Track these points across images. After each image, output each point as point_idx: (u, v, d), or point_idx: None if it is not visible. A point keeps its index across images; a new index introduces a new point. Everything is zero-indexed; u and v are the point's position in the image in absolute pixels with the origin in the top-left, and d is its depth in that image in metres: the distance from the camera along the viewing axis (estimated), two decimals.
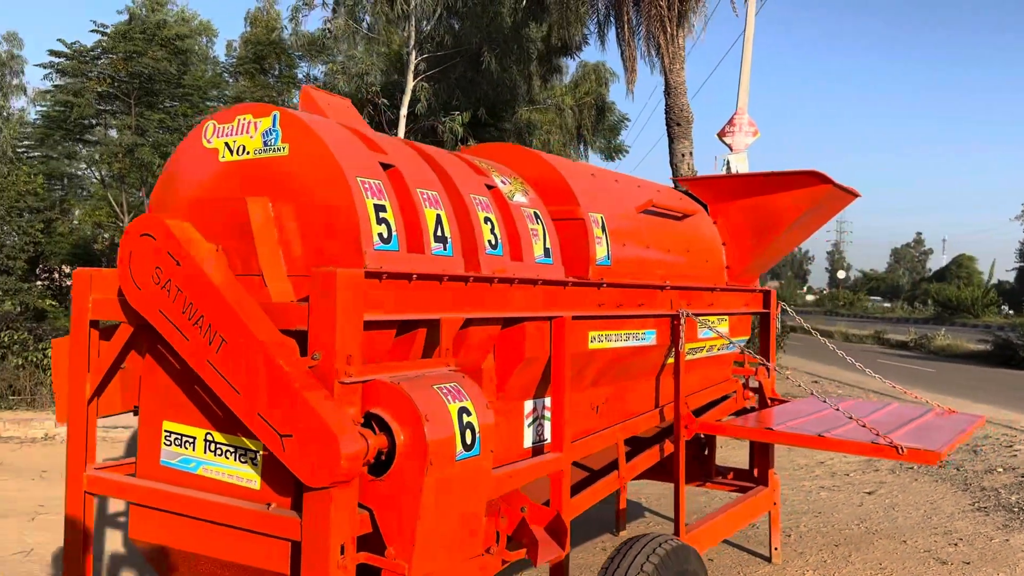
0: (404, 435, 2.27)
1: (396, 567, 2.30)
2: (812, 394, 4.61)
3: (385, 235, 2.55)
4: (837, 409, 4.10)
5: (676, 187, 5.18)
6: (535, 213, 3.39)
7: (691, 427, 4.25)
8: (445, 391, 2.41)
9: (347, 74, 16.91)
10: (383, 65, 17.11)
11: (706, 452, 5.66)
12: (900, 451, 3.67)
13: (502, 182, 3.35)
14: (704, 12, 13.79)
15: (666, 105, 13.55)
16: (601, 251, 3.67)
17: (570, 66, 23.72)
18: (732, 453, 7.84)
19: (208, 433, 2.62)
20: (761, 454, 5.41)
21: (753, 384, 5.48)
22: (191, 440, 2.66)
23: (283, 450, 2.19)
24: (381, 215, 2.55)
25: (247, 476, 2.53)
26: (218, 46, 34.05)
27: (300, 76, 27.87)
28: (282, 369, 2.19)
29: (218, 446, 2.60)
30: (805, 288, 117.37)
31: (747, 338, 5.31)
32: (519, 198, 3.36)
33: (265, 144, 2.65)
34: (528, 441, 3.47)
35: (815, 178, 4.54)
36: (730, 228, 4.86)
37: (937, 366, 22.07)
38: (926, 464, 3.76)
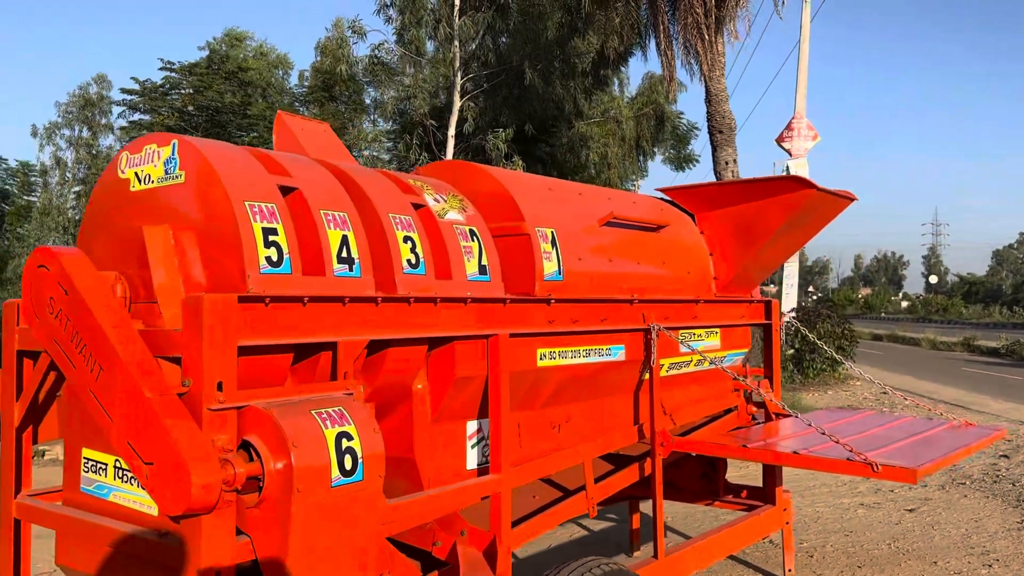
0: (272, 461, 2.25)
1: None
2: (791, 414, 4.38)
3: (275, 258, 2.54)
4: (809, 425, 3.89)
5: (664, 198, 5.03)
6: (471, 230, 3.34)
7: (667, 445, 4.10)
8: (324, 416, 2.38)
9: (399, 98, 17.21)
10: (431, 87, 17.34)
11: (715, 469, 5.46)
12: (875, 468, 3.46)
13: (435, 200, 3.32)
14: (747, 18, 13.46)
15: (707, 113, 13.27)
16: (550, 266, 3.58)
17: (631, 78, 23.63)
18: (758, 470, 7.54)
19: (117, 460, 2.65)
20: (769, 471, 5.18)
21: (758, 398, 5.26)
22: (103, 467, 2.70)
23: (146, 478, 2.19)
24: (271, 238, 2.55)
25: (147, 503, 2.55)
26: (293, 77, 35.18)
27: (368, 101, 28.47)
28: (143, 396, 2.20)
29: (124, 472, 2.63)
30: (900, 295, 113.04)
31: (746, 350, 5.11)
32: (453, 215, 3.32)
33: (166, 172, 2.69)
34: (472, 462, 3.41)
35: (797, 184, 4.35)
36: (716, 238, 4.70)
37: None
38: (904, 482, 3.52)
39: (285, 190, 2.75)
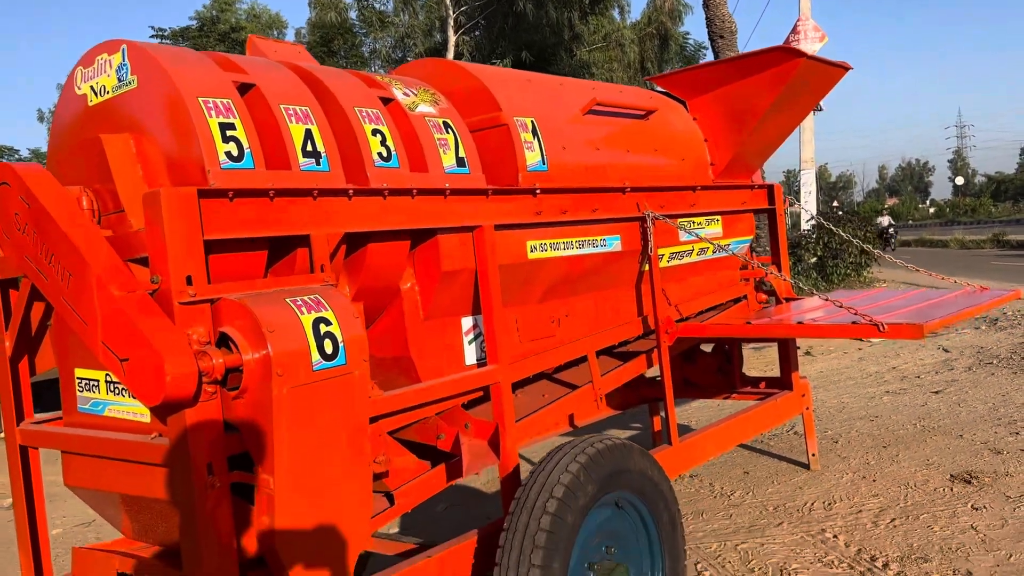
0: (249, 348, 2.23)
1: (262, 483, 2.28)
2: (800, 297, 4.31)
3: (235, 153, 2.49)
4: (825, 298, 3.82)
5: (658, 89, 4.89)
6: (444, 123, 3.26)
7: (672, 332, 4.05)
8: (300, 303, 2.36)
9: (395, 41, 16.94)
10: (425, 26, 17.03)
11: (731, 363, 5.42)
12: (881, 328, 3.38)
13: (404, 94, 3.24)
14: None
15: (706, 18, 12.88)
16: (533, 157, 3.50)
17: (632, 4, 23.12)
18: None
19: (107, 374, 2.66)
20: (784, 357, 5.13)
21: (767, 287, 5.18)
22: (96, 383, 2.71)
23: (124, 374, 2.19)
24: (229, 133, 2.49)
25: (139, 411, 2.55)
26: (289, 35, 34.79)
27: (366, 52, 28.11)
28: (112, 295, 2.18)
29: (115, 385, 2.63)
30: (927, 201, 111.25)
31: (751, 238, 5.01)
32: (424, 108, 3.24)
33: (119, 80, 2.63)
34: (471, 358, 3.39)
35: (785, 54, 4.19)
36: (709, 123, 4.57)
37: None
38: (911, 339, 3.44)
39: (243, 89, 2.69)
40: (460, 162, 3.24)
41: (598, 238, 3.82)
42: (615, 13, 23.19)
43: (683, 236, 4.29)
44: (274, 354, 2.21)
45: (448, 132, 3.24)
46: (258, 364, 2.22)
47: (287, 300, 2.34)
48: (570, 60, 19.58)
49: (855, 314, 3.48)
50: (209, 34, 19.38)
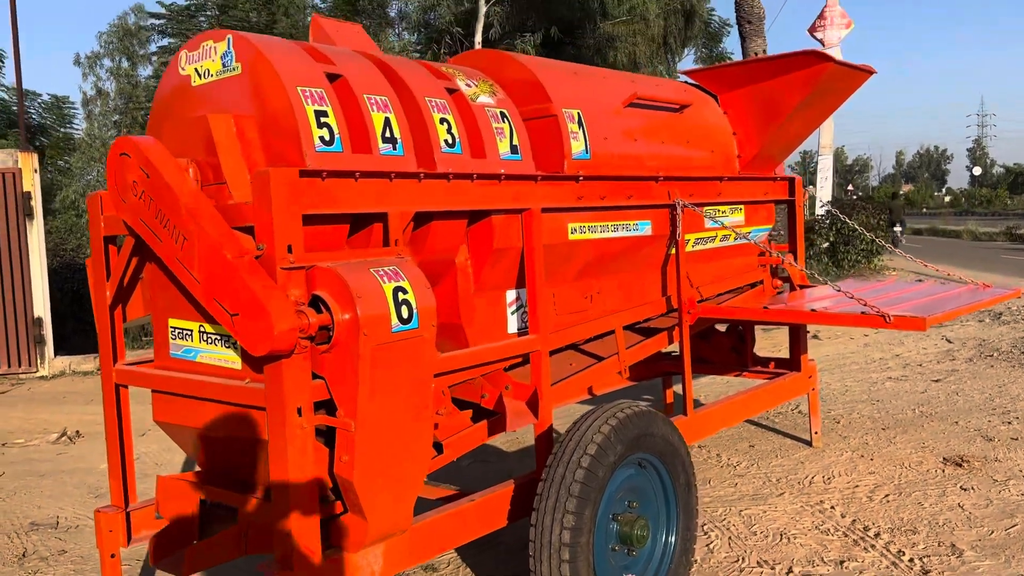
0: (340, 311, 2.58)
1: (344, 424, 2.64)
2: (814, 285, 4.63)
3: (327, 138, 2.82)
4: (838, 289, 4.15)
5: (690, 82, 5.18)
6: (501, 112, 3.57)
7: (694, 312, 4.39)
8: (382, 273, 2.70)
9: (423, 8, 17.10)
10: None
11: (744, 343, 5.77)
12: (887, 319, 3.72)
13: (467, 85, 3.55)
14: None
15: (736, 2, 13.04)
16: (578, 146, 3.82)
17: None
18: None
19: (201, 325, 3.02)
20: (794, 339, 5.47)
21: (783, 273, 5.51)
22: (189, 332, 3.07)
23: (233, 327, 2.54)
24: (322, 120, 2.82)
25: (231, 359, 2.91)
26: None
27: (393, 14, 28.14)
28: (227, 259, 2.53)
29: (208, 335, 2.99)
30: (943, 190, 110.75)
31: (770, 227, 5.33)
32: (484, 99, 3.55)
33: (224, 66, 2.96)
34: (512, 328, 3.74)
35: (814, 58, 4.48)
36: (739, 117, 4.87)
37: None
38: (914, 330, 3.77)
39: (331, 77, 3.01)
40: (514, 149, 3.56)
41: (631, 222, 4.15)
42: None
43: (708, 223, 4.61)
44: (362, 316, 2.56)
45: (504, 121, 3.56)
46: (348, 324, 2.57)
47: (371, 270, 2.69)
48: (594, 33, 19.70)
49: (864, 304, 3.81)
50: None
